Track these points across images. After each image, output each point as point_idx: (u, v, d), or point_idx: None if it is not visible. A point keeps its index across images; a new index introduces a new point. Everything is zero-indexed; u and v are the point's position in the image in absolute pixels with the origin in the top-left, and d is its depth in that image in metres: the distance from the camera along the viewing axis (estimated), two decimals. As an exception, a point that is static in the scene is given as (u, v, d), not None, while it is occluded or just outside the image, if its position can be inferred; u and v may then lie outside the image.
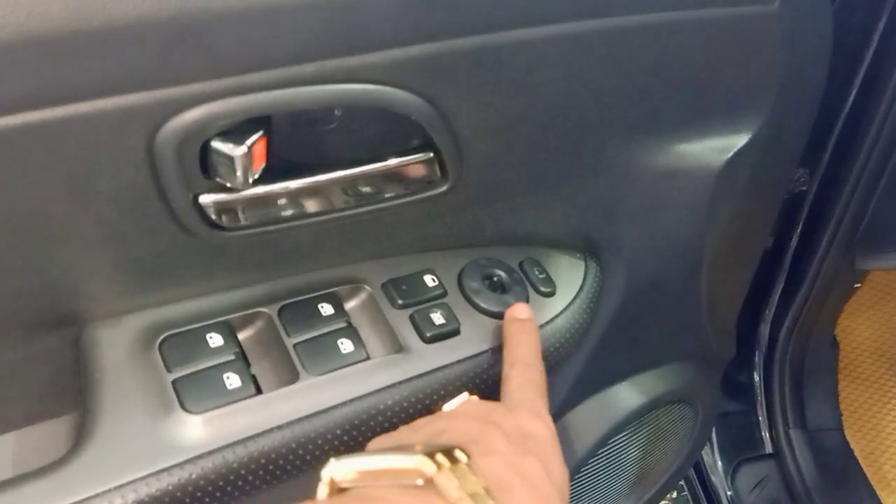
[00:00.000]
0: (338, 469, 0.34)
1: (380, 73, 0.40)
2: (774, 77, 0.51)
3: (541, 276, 0.54)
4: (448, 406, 0.44)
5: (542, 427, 0.41)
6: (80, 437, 0.40)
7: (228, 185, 0.40)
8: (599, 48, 0.45)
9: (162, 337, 0.44)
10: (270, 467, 0.42)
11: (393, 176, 0.46)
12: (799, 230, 0.85)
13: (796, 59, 0.52)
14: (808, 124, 0.58)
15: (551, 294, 0.54)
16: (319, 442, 0.44)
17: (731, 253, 0.63)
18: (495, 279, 0.53)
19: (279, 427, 0.42)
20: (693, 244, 0.58)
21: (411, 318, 0.49)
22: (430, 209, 0.49)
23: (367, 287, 0.49)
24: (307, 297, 0.47)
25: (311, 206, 0.44)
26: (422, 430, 0.40)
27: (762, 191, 0.60)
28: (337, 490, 0.34)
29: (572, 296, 0.55)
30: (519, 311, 0.50)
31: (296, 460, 0.43)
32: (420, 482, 0.33)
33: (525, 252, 0.56)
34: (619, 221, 0.55)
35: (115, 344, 0.43)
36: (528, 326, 0.49)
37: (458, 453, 0.35)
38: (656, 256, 0.58)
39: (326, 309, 0.47)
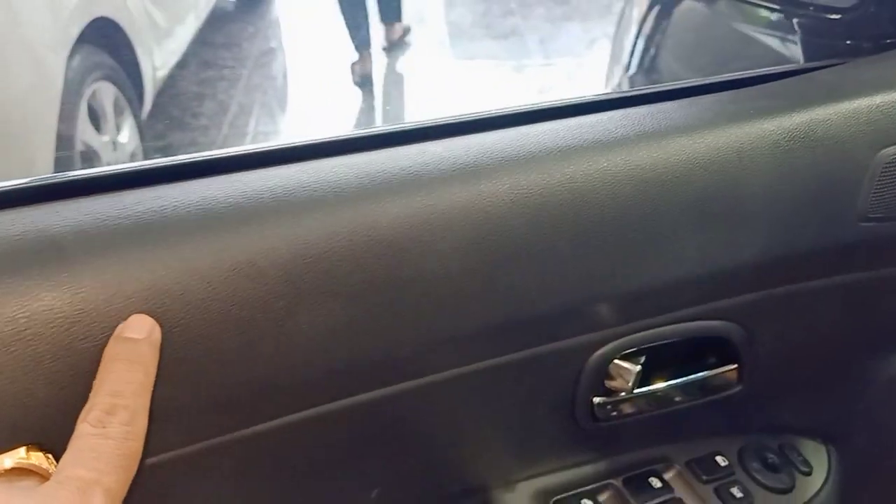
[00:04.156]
0: None
1: (723, 312, 0.57)
2: None
3: (799, 458, 0.68)
4: None
5: None
6: None
7: (617, 389, 0.57)
8: (870, 293, 0.62)
9: (552, 500, 0.59)
10: None
11: (705, 381, 0.62)
12: None
13: None
14: None
15: (809, 474, 0.68)
16: None
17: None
18: (769, 460, 0.67)
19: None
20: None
21: (716, 490, 0.63)
22: (718, 405, 0.65)
23: (677, 465, 0.64)
24: (640, 471, 0.63)
25: (647, 405, 0.60)
26: None
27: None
28: None
29: (824, 476, 0.68)
30: (129, 327, 0.36)
31: None
32: None
33: (777, 438, 0.71)
34: (856, 416, 0.70)
35: (518, 504, 0.59)
36: (136, 350, 0.36)
37: None
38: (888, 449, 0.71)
39: (656, 482, 0.62)
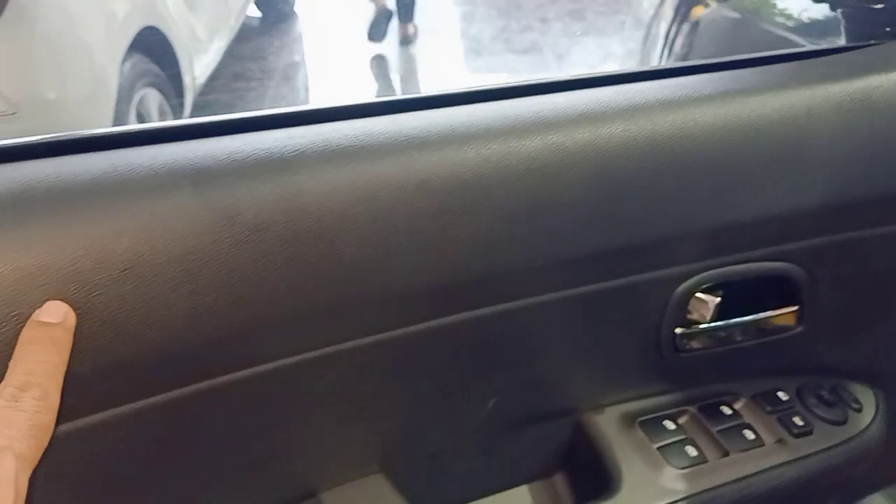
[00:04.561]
0: None
1: (789, 254, 0.65)
2: None
3: (851, 397, 0.76)
4: None
5: None
6: (612, 480, 0.62)
7: (697, 321, 0.65)
8: None
9: (638, 421, 0.67)
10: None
11: (769, 321, 0.70)
12: None
13: None
14: None
15: (860, 410, 0.75)
16: (737, 500, 0.65)
17: None
18: (824, 396, 0.75)
19: (724, 484, 0.64)
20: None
21: (779, 419, 0.71)
22: (779, 345, 0.73)
23: (743, 398, 0.72)
24: (712, 401, 0.70)
25: (718, 340, 0.68)
26: None
27: None
28: None
29: (873, 413, 0.76)
30: (44, 312, 0.38)
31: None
32: None
33: (829, 381, 0.78)
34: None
35: (608, 425, 0.66)
36: (50, 334, 0.38)
37: None
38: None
39: (727, 410, 0.70)
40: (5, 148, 0.43)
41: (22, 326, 0.38)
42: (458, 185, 0.48)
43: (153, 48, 2.52)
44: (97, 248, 0.39)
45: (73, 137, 0.44)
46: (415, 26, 3.97)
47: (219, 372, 0.46)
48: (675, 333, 0.65)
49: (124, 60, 2.26)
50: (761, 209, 0.61)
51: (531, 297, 0.56)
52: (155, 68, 2.53)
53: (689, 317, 0.65)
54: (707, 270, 0.63)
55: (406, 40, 3.94)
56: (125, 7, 2.31)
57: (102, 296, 0.39)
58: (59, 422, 0.40)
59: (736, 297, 0.67)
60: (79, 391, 0.40)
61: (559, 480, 0.69)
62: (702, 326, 0.65)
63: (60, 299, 0.38)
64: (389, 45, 4.08)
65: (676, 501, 0.61)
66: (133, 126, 0.48)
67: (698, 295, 0.64)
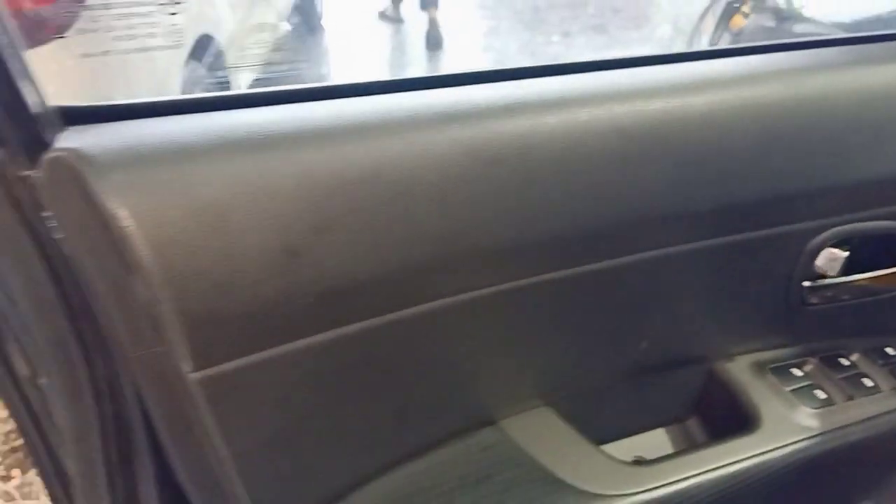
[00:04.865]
0: None
1: (904, 215, 0.71)
2: None
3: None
4: None
5: None
6: (750, 419, 0.68)
7: (823, 276, 0.71)
8: None
9: (769, 367, 0.73)
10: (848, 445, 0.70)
11: (880, 279, 0.76)
12: None
13: None
14: None
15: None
16: (863, 438, 0.71)
17: None
18: (927, 353, 0.81)
19: (852, 424, 0.70)
20: None
21: (891, 371, 0.76)
22: (887, 303, 0.79)
23: (856, 352, 0.78)
24: (830, 354, 0.76)
25: (837, 296, 0.74)
26: None
27: None
28: None
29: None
30: None
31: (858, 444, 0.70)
32: None
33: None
34: None
35: (740, 372, 0.72)
36: None
37: None
38: None
39: (844, 361, 0.76)
40: (291, 92, 0.50)
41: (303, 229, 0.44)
42: (647, 132, 0.55)
43: (207, 55, 2.60)
44: (370, 171, 0.45)
45: (347, 84, 0.51)
46: (441, 36, 4.03)
47: (443, 294, 0.52)
48: (802, 286, 0.71)
49: (184, 66, 2.35)
50: (887, 168, 0.67)
51: (689, 244, 0.62)
52: (206, 75, 2.62)
53: (816, 270, 0.71)
54: (837, 226, 0.69)
55: (432, 35, 3.95)
56: (185, 16, 2.40)
57: (377, 214, 0.45)
58: (323, 330, 0.46)
59: (855, 254, 0.73)
60: (341, 301, 0.47)
61: (693, 424, 0.74)
62: (826, 281, 0.71)
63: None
64: (416, 57, 4.17)
65: (813, 437, 0.67)
66: (388, 78, 0.55)
67: (830, 250, 0.70)
